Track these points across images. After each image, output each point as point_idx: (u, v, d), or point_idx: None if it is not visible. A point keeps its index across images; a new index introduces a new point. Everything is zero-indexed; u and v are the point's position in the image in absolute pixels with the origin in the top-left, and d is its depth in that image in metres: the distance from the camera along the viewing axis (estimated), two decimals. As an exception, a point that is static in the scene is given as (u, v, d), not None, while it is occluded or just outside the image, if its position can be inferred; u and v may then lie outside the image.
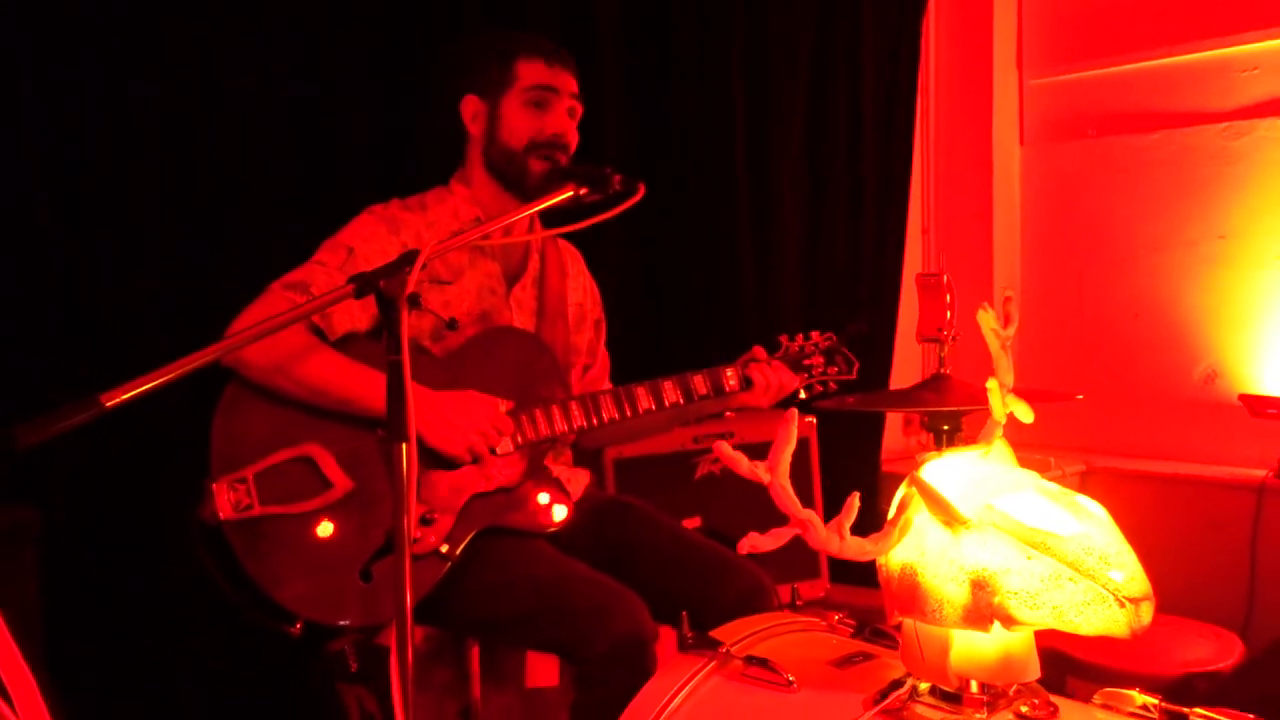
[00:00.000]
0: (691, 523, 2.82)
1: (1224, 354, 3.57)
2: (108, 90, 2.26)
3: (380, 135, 2.62)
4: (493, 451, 1.98)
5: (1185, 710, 1.30)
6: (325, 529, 1.87)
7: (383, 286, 1.46)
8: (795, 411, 1.27)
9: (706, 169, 3.25)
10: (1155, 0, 3.67)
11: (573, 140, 2.14)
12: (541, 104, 2.10)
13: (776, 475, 1.26)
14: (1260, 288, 3.47)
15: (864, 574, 3.87)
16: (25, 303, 2.18)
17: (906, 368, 4.02)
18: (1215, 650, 2.69)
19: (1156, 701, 1.33)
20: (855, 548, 1.30)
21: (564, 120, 2.12)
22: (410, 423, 1.48)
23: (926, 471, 1.32)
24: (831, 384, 2.21)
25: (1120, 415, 3.74)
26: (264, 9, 2.43)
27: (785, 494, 1.26)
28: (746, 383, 2.14)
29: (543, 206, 1.80)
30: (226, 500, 1.81)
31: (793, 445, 1.27)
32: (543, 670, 2.64)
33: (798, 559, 2.97)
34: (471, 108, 2.14)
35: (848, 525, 1.29)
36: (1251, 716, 1.27)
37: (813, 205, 3.56)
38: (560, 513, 2.05)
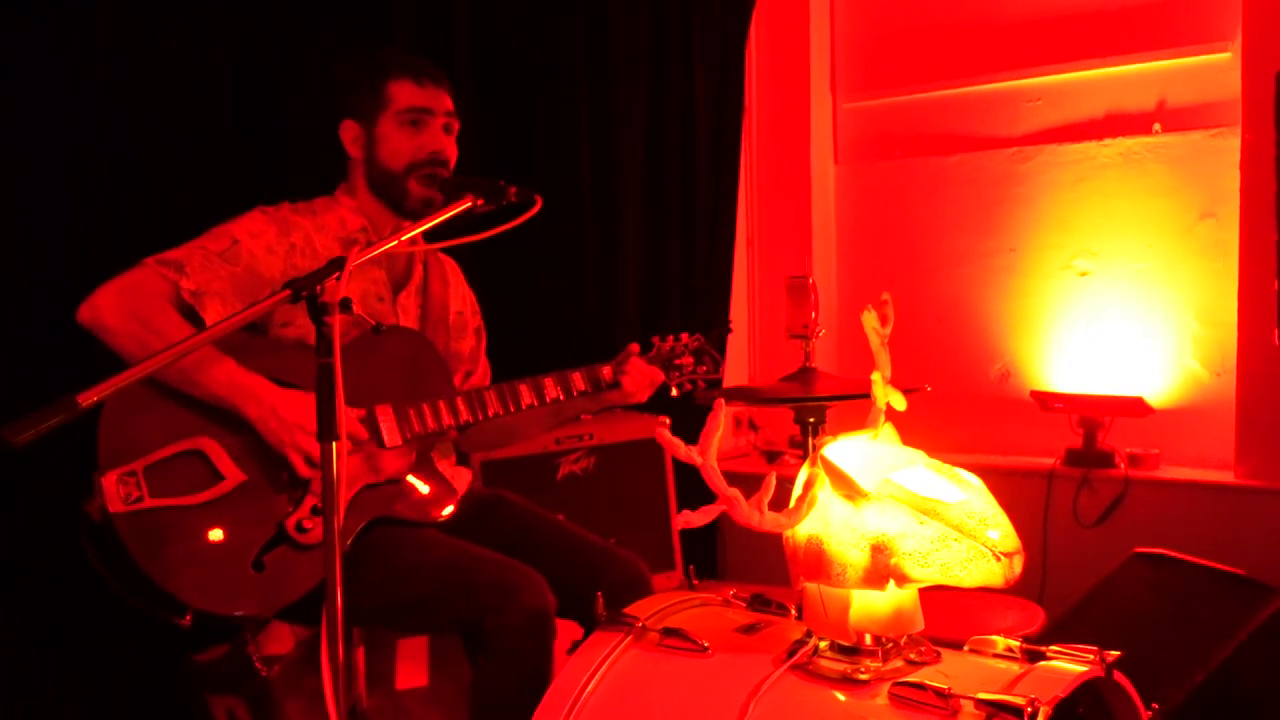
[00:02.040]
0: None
1: (1017, 355, 3.95)
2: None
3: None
4: (381, 445, 2.04)
5: (1043, 648, 1.53)
6: (217, 520, 1.88)
7: (318, 291, 1.54)
8: (722, 401, 1.42)
9: (554, 189, 3.35)
10: (952, 36, 4.04)
11: (452, 155, 2.18)
12: (417, 123, 2.14)
13: (707, 458, 1.41)
14: (1048, 295, 3.86)
15: (710, 568, 4.03)
16: (21, 302, 2.16)
17: (732, 370, 4.26)
18: (1022, 618, 3.00)
19: (1018, 644, 1.55)
20: (772, 521, 1.46)
21: (440, 137, 2.16)
22: (341, 423, 1.55)
23: (830, 452, 1.50)
24: (700, 382, 2.36)
25: (924, 411, 4.07)
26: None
27: (715, 474, 1.41)
28: (617, 382, 2.27)
29: (445, 217, 1.87)
30: (116, 493, 1.80)
31: (721, 431, 1.42)
32: (412, 671, 2.69)
33: (648, 552, 3.13)
34: (350, 132, 2.17)
35: (766, 501, 1.45)
36: (1095, 649, 1.50)
37: (650, 222, 3.72)
38: (447, 503, 2.12)
